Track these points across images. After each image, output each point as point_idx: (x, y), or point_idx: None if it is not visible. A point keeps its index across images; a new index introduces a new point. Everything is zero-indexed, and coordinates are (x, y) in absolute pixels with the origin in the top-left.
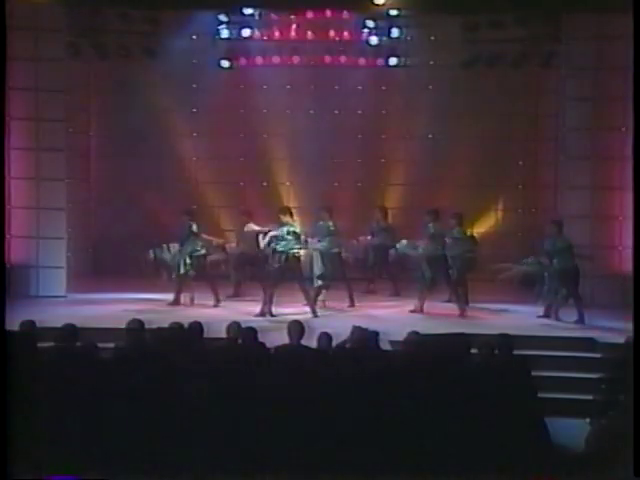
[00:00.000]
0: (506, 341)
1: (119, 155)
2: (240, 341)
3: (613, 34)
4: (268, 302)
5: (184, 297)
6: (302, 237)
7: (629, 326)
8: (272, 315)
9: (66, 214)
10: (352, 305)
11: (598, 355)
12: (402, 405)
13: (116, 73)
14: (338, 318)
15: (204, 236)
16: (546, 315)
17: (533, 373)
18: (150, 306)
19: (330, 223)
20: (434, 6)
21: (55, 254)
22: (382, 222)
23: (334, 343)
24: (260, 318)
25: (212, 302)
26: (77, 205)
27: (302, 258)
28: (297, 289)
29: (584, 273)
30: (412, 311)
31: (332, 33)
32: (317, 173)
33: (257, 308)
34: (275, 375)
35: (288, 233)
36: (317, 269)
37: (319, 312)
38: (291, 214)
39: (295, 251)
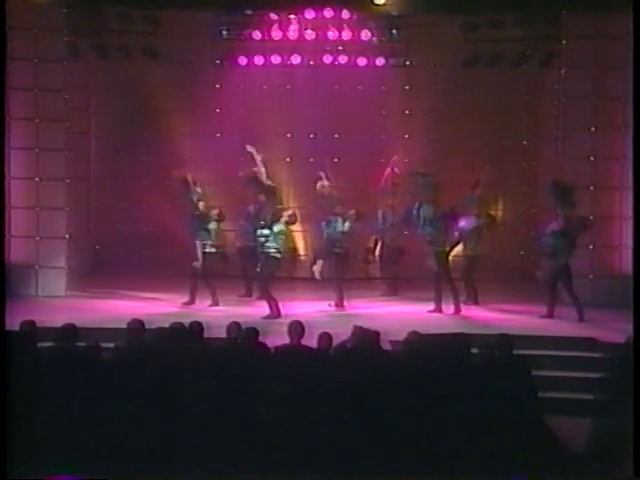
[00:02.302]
0: (506, 341)
1: (119, 155)
2: (240, 341)
3: (613, 34)
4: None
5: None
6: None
7: (629, 326)
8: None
9: (66, 214)
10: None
11: (598, 355)
12: (402, 405)
13: (116, 73)
14: (338, 318)
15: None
16: (549, 315)
17: (533, 373)
18: (150, 306)
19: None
20: (434, 6)
21: (55, 254)
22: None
23: (334, 343)
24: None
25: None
26: (77, 205)
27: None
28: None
29: (584, 273)
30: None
31: (332, 33)
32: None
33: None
34: (275, 375)
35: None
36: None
37: (323, 312)
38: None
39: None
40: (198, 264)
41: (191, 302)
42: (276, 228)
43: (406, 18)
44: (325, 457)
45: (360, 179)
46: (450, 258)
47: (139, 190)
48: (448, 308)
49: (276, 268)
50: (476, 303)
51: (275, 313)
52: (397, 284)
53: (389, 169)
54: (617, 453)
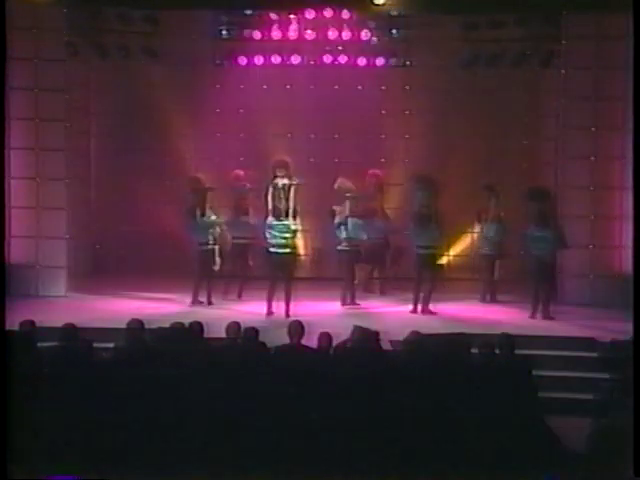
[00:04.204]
0: (507, 341)
1: (119, 155)
2: (239, 341)
3: (613, 34)
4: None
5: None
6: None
7: (629, 326)
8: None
9: (66, 214)
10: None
11: (598, 355)
12: (402, 405)
13: (116, 73)
14: (338, 318)
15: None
16: (533, 315)
17: (533, 373)
18: (150, 305)
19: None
20: (434, 6)
21: (55, 254)
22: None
23: (334, 343)
24: (263, 319)
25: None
26: (77, 205)
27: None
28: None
29: (584, 273)
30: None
31: (332, 33)
32: (317, 173)
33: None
34: (275, 375)
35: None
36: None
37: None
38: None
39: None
40: (197, 262)
41: (195, 302)
42: (269, 222)
43: (406, 18)
44: (325, 457)
45: (360, 179)
46: (451, 258)
47: (139, 190)
48: (447, 308)
49: (271, 263)
50: (495, 301)
51: (268, 311)
52: (386, 284)
53: (371, 173)
54: (617, 453)
